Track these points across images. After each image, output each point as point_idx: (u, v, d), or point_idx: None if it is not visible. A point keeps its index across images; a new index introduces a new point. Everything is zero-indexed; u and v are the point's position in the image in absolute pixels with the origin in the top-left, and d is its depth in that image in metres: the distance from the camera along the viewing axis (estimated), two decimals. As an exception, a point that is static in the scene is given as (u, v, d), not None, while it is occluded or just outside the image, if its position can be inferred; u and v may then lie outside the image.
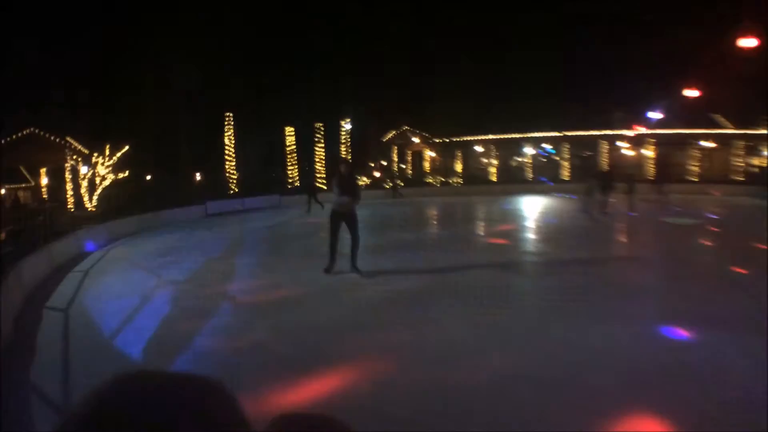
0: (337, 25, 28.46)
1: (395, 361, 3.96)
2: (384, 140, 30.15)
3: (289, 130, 27.27)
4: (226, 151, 24.77)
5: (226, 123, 24.54)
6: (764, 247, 9.08)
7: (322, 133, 27.73)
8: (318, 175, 26.73)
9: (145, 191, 19.93)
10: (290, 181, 26.91)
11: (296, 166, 27.52)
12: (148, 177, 23.12)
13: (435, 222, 16.24)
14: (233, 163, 24.91)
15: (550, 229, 13.28)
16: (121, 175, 19.27)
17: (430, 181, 29.12)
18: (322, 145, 27.69)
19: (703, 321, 4.85)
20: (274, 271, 8.08)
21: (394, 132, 29.97)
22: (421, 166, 31.23)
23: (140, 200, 17.11)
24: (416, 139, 29.77)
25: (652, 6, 27.40)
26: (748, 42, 21.57)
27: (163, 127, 21.54)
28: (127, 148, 18.87)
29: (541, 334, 4.55)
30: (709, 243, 10.77)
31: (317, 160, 27.58)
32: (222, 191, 23.20)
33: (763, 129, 28.19)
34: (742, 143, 27.55)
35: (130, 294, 6.75)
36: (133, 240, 12.76)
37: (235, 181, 24.51)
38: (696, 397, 3.27)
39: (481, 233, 13.32)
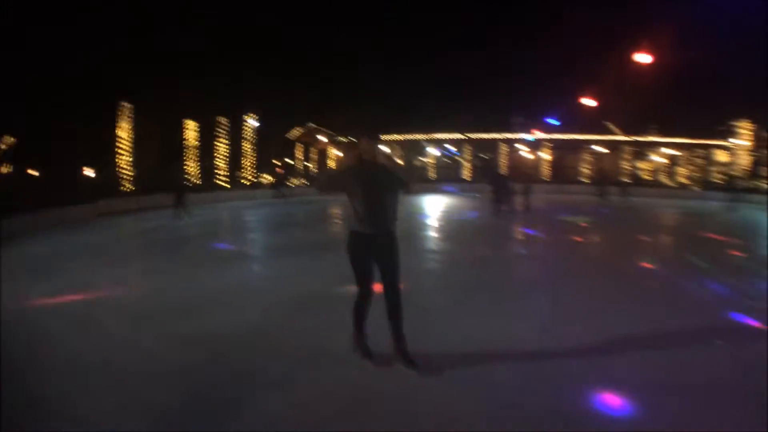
0: (242, 18, 31.44)
1: (312, 370, 3.98)
2: (289, 138, 33.13)
3: (191, 125, 28.20)
4: (121, 146, 25.04)
5: (120, 114, 24.73)
6: (646, 239, 12.22)
7: (225, 128, 29.26)
8: (219, 172, 28.49)
9: (29, 188, 19.65)
10: (189, 178, 27.34)
11: (198, 163, 28.49)
12: (34, 173, 24.82)
13: (339, 222, 17.04)
14: (129, 159, 25.21)
15: (451, 227, 14.94)
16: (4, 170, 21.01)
17: None
18: (226, 141, 29.34)
19: (597, 309, 5.67)
20: (171, 274, 7.92)
21: (300, 129, 32.95)
22: (326, 164, 34.36)
23: (21, 198, 16.62)
24: (322, 138, 33.16)
25: (556, 19, 32.60)
26: (643, 58, 26.98)
27: (52, 118, 23.29)
28: (12, 140, 20.73)
29: (447, 331, 4.89)
30: (598, 239, 13.22)
31: (218, 156, 29.21)
32: (115, 189, 23.36)
33: (651, 136, 34.15)
34: (630, 149, 33.51)
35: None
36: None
37: (130, 178, 24.86)
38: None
39: None
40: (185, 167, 28.78)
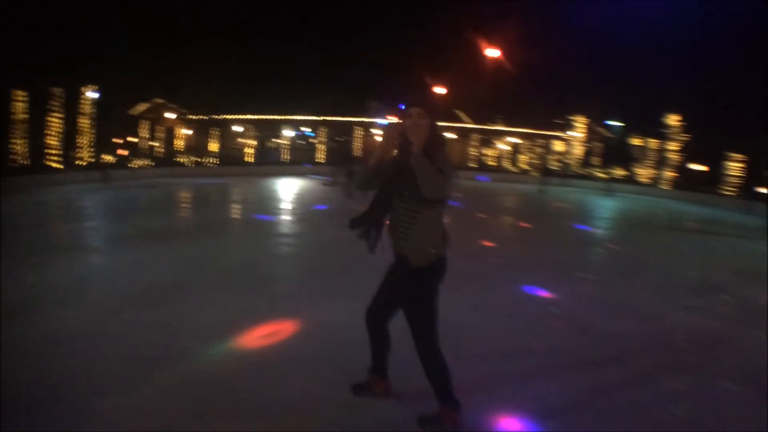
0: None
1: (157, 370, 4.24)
2: (133, 114, 34.87)
3: (19, 95, 28.14)
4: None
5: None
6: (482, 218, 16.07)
7: (60, 101, 29.75)
8: (51, 151, 28.90)
9: None
10: (15, 156, 27.25)
11: (27, 140, 28.30)
12: None
13: (187, 207, 18.48)
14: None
15: (304, 210, 16.68)
16: None
17: (183, 161, 34.81)
18: (60, 115, 30.02)
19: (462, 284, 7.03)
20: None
21: (145, 105, 34.85)
22: (173, 144, 36.85)
23: None
24: (170, 115, 35.51)
25: (414, 10, 39.25)
26: (492, 52, 34.83)
27: None
28: None
29: (304, 316, 5.73)
30: (448, 220, 18.36)
31: (50, 133, 29.38)
32: None
33: (498, 126, 43.35)
34: (478, 136, 42.56)
35: None
36: None
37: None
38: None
39: (237, 216, 15.71)
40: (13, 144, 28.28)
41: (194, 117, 35.51)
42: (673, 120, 35.95)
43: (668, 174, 36.49)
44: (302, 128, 37.18)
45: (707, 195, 31.59)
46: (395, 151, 3.45)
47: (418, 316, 3.39)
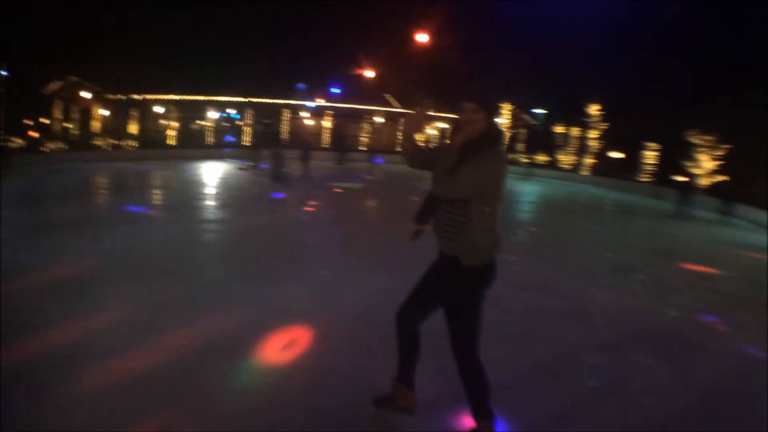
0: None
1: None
2: (45, 93, 32.96)
3: None
4: None
5: None
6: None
7: None
8: None
9: None
10: None
11: None
12: None
13: (103, 193, 17.29)
14: None
15: (228, 194, 16.19)
16: None
17: (100, 144, 33.03)
18: None
19: (369, 270, 7.43)
20: None
21: (59, 83, 32.93)
22: (89, 126, 35.07)
23: None
24: (86, 94, 33.64)
25: None
26: (422, 37, 35.03)
27: None
28: None
29: (224, 303, 5.68)
30: (374, 203, 16.85)
31: None
32: None
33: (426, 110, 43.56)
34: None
35: None
36: None
37: None
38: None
39: (157, 203, 14.81)
40: None
41: (112, 97, 33.79)
42: (593, 109, 37.41)
43: (588, 161, 38.00)
44: (227, 110, 36.17)
45: (624, 181, 33.14)
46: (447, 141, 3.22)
47: (464, 319, 3.17)
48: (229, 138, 34.08)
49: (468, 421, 3.37)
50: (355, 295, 6.34)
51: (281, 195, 16.46)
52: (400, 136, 41.96)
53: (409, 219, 3.56)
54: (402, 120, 41.48)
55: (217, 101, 35.45)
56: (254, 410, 3.63)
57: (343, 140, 35.50)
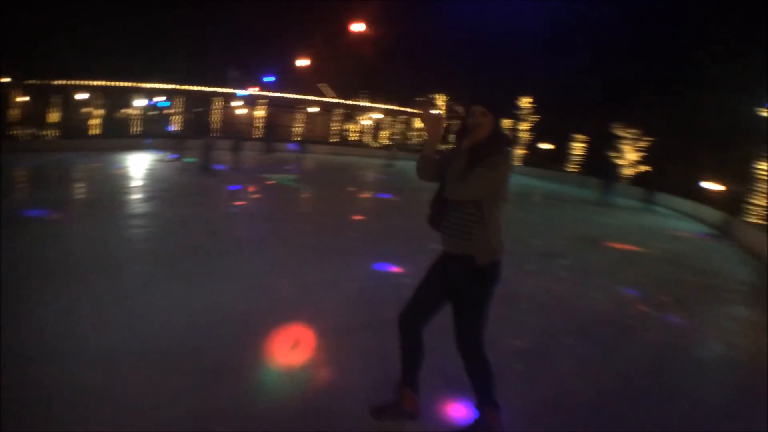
0: None
1: None
2: None
3: None
4: None
5: None
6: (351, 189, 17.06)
7: None
8: None
9: None
10: None
11: None
12: None
13: (19, 187, 15.25)
14: None
15: (155, 187, 15.14)
16: None
17: (16, 133, 30.65)
18: None
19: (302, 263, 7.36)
20: None
21: None
22: (5, 113, 32.50)
23: None
24: (1, 79, 31.71)
25: None
26: (357, 27, 34.78)
27: None
28: None
29: (151, 301, 5.33)
30: (308, 195, 16.45)
31: None
32: None
33: (362, 101, 43.71)
34: (341, 110, 42.63)
35: None
36: None
37: None
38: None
39: (80, 197, 13.56)
40: None
41: (31, 82, 31.81)
42: (525, 102, 38.25)
43: (520, 151, 38.86)
44: (157, 98, 34.94)
45: (553, 171, 34.05)
46: (451, 143, 3.32)
47: (475, 316, 3.22)
48: (169, 128, 32.77)
49: (471, 413, 3.51)
50: (290, 290, 6.23)
51: (211, 187, 15.85)
52: (334, 126, 41.91)
53: (424, 220, 3.47)
54: (341, 111, 41.47)
55: (144, 88, 34.06)
56: (181, 419, 3.46)
57: (272, 130, 34.91)
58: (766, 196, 17.09)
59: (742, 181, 17.65)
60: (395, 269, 7.63)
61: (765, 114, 15.11)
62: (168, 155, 22.96)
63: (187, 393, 3.70)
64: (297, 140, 34.91)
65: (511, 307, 6.22)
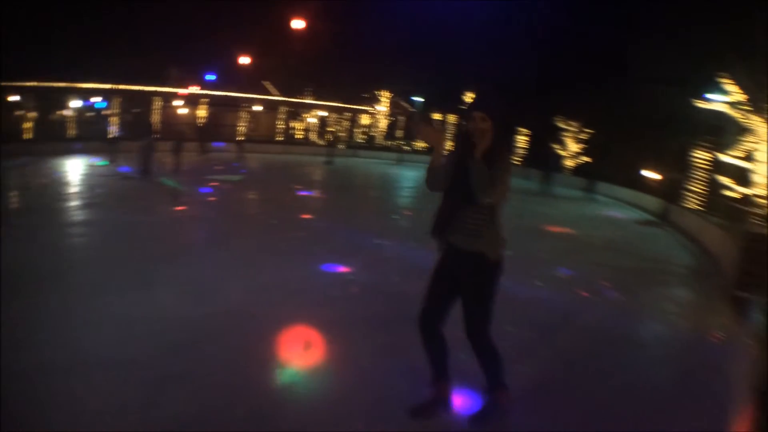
0: None
1: None
2: None
3: None
4: None
5: None
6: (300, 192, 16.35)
7: None
8: None
9: None
10: None
11: None
12: None
13: None
14: None
15: (93, 192, 14.30)
16: None
17: None
18: None
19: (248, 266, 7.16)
20: None
21: None
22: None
23: None
24: None
25: None
26: (298, 24, 34.22)
27: None
28: None
29: (85, 312, 5.11)
30: (252, 196, 16.14)
31: None
32: None
33: (306, 98, 43.36)
34: (286, 108, 42.21)
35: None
36: None
37: None
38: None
39: (14, 205, 12.29)
40: None
41: (-41, 84, 30.20)
42: (469, 97, 38.55)
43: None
44: (93, 98, 33.72)
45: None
46: (452, 150, 3.50)
47: (485, 309, 3.42)
48: (107, 130, 31.58)
49: (480, 399, 3.74)
50: (235, 294, 6.05)
51: (152, 191, 15.18)
52: (280, 125, 41.37)
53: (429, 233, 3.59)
54: (286, 109, 40.97)
55: (80, 89, 32.79)
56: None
57: (206, 130, 34.18)
58: (702, 183, 17.66)
59: (679, 169, 18.18)
60: (342, 269, 7.53)
61: (700, 105, 15.63)
62: (98, 160, 21.91)
63: (132, 404, 3.60)
64: (239, 140, 34.14)
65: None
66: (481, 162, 3.19)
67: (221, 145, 31.71)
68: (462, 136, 3.36)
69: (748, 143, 13.94)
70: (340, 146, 37.00)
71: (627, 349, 5.34)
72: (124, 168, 19.85)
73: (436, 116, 39.57)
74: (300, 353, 4.61)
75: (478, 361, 3.51)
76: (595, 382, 4.42)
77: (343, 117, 44.02)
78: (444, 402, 3.65)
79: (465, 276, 3.43)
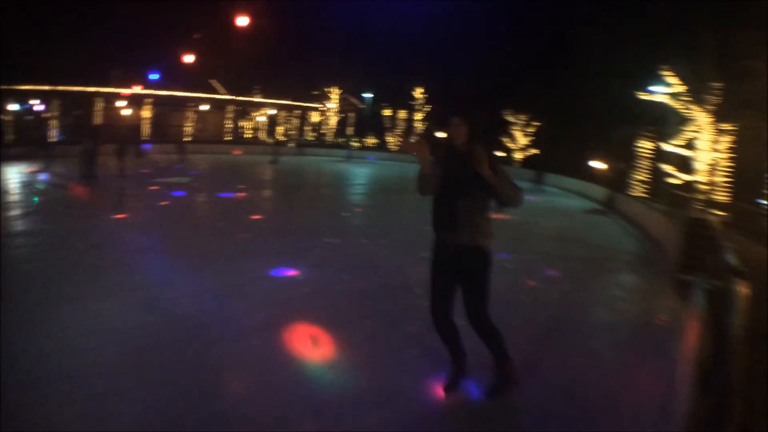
0: None
1: None
2: None
3: None
4: None
5: None
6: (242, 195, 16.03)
7: None
8: None
9: None
10: None
11: None
12: None
13: None
14: None
15: (31, 200, 13.80)
16: None
17: None
18: None
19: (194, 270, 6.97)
20: None
21: None
22: None
23: None
24: None
25: None
26: (242, 20, 33.47)
27: None
28: None
29: (37, 323, 4.96)
30: (201, 199, 15.58)
31: None
32: None
33: (255, 97, 42.79)
34: (233, 107, 41.55)
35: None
36: None
37: None
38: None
39: None
40: None
41: None
42: (418, 93, 38.80)
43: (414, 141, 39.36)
44: (30, 101, 32.36)
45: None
46: (437, 157, 3.76)
47: (485, 295, 3.73)
48: (45, 134, 30.20)
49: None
50: (183, 300, 5.86)
51: (94, 196, 14.71)
52: (228, 124, 40.70)
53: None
54: (234, 108, 40.30)
55: (17, 90, 31.36)
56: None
57: (136, 131, 33.28)
58: (646, 171, 18.14)
59: (624, 159, 18.64)
60: (292, 272, 7.39)
61: (644, 97, 16.10)
62: (31, 167, 20.90)
63: (76, 420, 3.43)
64: (184, 140, 33.31)
65: (407, 293, 6.25)
66: (494, 175, 3.48)
67: (180, 147, 30.40)
68: (446, 143, 3.75)
69: (688, 132, 14.39)
70: (290, 144, 36.56)
71: (577, 334, 5.40)
72: (61, 173, 19.09)
73: (386, 112, 39.56)
74: (252, 357, 4.52)
75: (484, 342, 3.76)
76: (545, 369, 4.46)
77: (293, 115, 43.58)
78: (464, 373, 3.91)
79: (466, 269, 3.69)
